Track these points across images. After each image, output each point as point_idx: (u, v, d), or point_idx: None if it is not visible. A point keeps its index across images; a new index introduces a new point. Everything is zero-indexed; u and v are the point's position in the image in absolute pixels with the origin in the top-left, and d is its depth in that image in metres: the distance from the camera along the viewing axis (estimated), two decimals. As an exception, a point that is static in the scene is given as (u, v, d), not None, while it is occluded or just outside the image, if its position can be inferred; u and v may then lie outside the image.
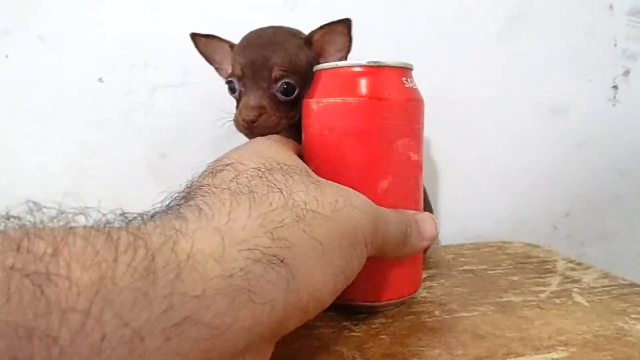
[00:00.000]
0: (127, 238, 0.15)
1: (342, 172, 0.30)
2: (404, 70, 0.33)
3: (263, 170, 0.23)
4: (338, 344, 0.29)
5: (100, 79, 0.45)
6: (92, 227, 0.16)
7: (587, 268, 0.43)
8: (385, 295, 0.32)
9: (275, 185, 0.22)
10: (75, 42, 0.44)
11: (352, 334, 0.30)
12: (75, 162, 0.44)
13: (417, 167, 0.33)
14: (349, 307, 0.32)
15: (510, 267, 0.38)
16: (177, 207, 0.20)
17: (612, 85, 0.58)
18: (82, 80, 0.45)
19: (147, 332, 0.14)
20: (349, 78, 0.31)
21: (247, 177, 0.22)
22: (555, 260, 0.46)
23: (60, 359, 0.13)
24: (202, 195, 0.20)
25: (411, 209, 0.32)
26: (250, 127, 0.34)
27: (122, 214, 0.17)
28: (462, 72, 0.52)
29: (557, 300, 0.36)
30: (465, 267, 0.44)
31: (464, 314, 0.33)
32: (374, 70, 0.31)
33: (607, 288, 0.38)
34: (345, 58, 0.38)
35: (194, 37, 0.39)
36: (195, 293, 0.16)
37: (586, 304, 0.35)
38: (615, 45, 0.57)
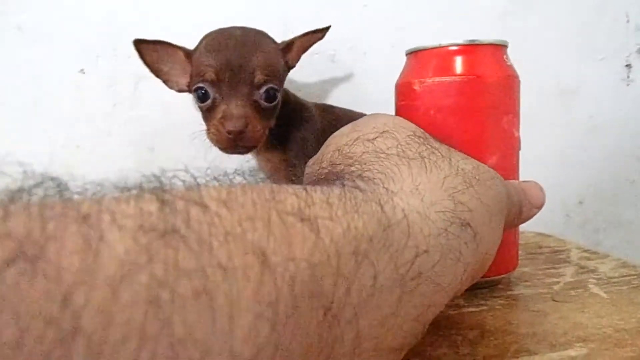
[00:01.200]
0: (354, 193, 0.16)
1: None
2: (504, 47, 0.33)
3: (419, 137, 0.22)
4: (333, 345, 0.26)
5: (81, 70, 0.43)
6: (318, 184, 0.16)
7: (604, 257, 0.41)
8: (491, 271, 0.31)
9: (438, 151, 0.22)
10: (55, 32, 0.42)
11: (349, 333, 0.28)
12: (59, 158, 0.43)
13: (519, 144, 0.33)
14: None
15: (521, 257, 0.35)
16: (352, 173, 0.19)
17: (626, 63, 0.55)
18: (63, 72, 0.43)
19: (406, 280, 0.15)
20: (456, 57, 0.32)
21: (408, 143, 0.21)
22: (569, 250, 0.43)
23: (347, 290, 0.13)
24: (373, 162, 0.20)
25: None
26: (238, 139, 0.31)
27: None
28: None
29: (573, 292, 0.33)
30: (472, 259, 0.41)
31: (471, 309, 0.31)
32: (480, 48, 0.32)
33: (626, 278, 0.35)
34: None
35: (139, 44, 0.35)
36: (424, 248, 0.16)
37: (604, 295, 0.32)
38: (628, 20, 0.54)
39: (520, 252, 0.43)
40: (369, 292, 0.14)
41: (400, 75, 0.35)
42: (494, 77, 0.32)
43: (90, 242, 0.10)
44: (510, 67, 0.33)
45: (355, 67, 0.48)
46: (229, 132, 0.30)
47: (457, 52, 0.32)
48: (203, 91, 0.32)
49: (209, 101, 0.32)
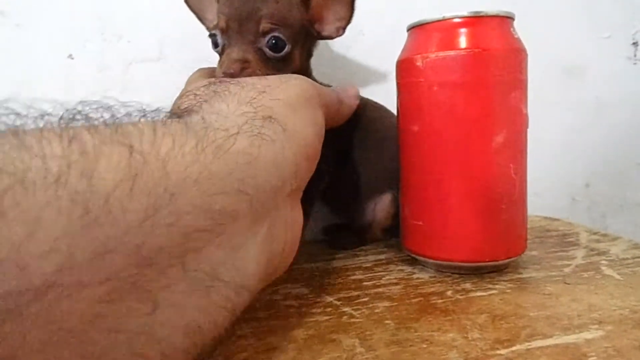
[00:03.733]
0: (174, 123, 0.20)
1: (454, 129, 0.30)
2: (511, 19, 0.32)
3: (211, 83, 0.26)
4: (336, 332, 0.25)
5: (70, 56, 0.41)
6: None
7: (614, 239, 0.39)
8: (488, 255, 0.31)
9: (228, 81, 0.26)
10: (41, 16, 0.40)
11: (353, 320, 0.26)
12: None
13: (527, 121, 0.32)
14: (450, 268, 0.33)
15: (529, 241, 0.34)
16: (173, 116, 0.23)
17: (632, 41, 0.53)
18: (51, 58, 0.41)
19: (206, 145, 0.19)
20: (461, 29, 0.30)
21: (204, 92, 0.25)
22: (578, 233, 0.42)
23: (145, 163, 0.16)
24: (188, 107, 0.24)
25: (522, 166, 0.32)
26: None
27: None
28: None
29: (585, 275, 0.32)
30: (478, 244, 0.40)
31: (480, 293, 0.29)
32: (485, 20, 0.30)
33: (639, 259, 0.34)
34: (344, 29, 0.36)
35: None
36: (222, 128, 0.20)
37: (618, 276, 0.31)
38: (634, -3, 0.52)
39: (527, 235, 0.42)
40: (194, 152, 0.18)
41: (402, 51, 0.34)
42: (500, 50, 0.30)
43: None
44: (518, 40, 0.32)
45: (354, 47, 0.46)
46: (224, 74, 0.30)
47: (461, 25, 0.30)
48: (215, 38, 0.33)
49: (219, 48, 0.33)
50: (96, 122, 0.17)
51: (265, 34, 0.31)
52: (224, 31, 0.32)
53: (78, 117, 0.17)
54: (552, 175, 0.53)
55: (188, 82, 0.32)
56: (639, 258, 0.34)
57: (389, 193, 0.39)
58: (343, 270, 0.35)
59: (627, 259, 0.34)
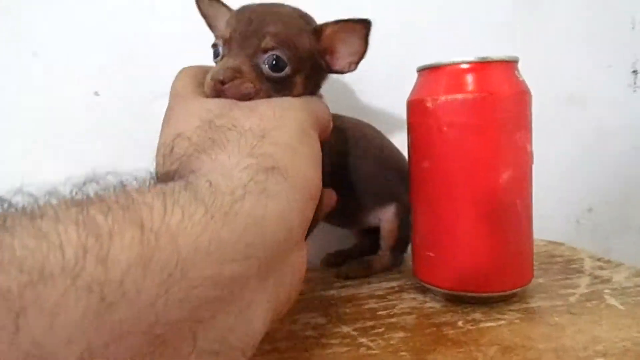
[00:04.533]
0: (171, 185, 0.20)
1: (463, 166, 0.32)
2: (515, 63, 0.34)
3: (206, 124, 0.25)
4: (355, 364, 0.27)
5: (96, 93, 0.43)
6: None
7: (617, 265, 0.41)
8: (497, 286, 0.33)
9: (224, 126, 0.25)
10: (69, 55, 0.43)
11: (370, 352, 0.28)
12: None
13: (532, 158, 0.34)
14: (460, 298, 0.34)
15: (535, 268, 0.35)
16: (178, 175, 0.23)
17: (632, 70, 0.55)
18: (78, 95, 0.43)
19: (214, 212, 0.19)
20: (468, 74, 0.32)
21: (199, 136, 0.24)
22: (582, 259, 0.43)
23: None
24: (184, 163, 0.24)
25: (528, 201, 0.34)
26: (218, 89, 0.29)
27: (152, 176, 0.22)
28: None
29: (589, 304, 0.33)
30: (486, 271, 0.41)
31: (489, 324, 0.31)
32: (491, 65, 0.33)
33: (641, 287, 0.36)
34: (357, 64, 0.34)
35: (197, 1, 0.36)
36: (228, 191, 0.20)
37: (620, 306, 0.33)
38: (633, 27, 0.54)
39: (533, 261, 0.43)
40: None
41: (412, 91, 0.36)
42: (506, 93, 0.32)
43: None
44: (522, 82, 0.34)
45: (362, 82, 0.48)
46: (212, 80, 0.29)
47: (468, 70, 0.32)
48: (217, 49, 0.32)
49: (218, 58, 0.32)
50: (106, 193, 0.18)
51: (266, 51, 0.30)
52: (226, 42, 0.31)
53: (87, 189, 0.18)
54: (557, 199, 0.55)
55: (174, 89, 0.31)
56: (641, 286, 0.36)
57: (392, 206, 0.41)
58: (357, 298, 0.37)
59: (629, 287, 0.36)
